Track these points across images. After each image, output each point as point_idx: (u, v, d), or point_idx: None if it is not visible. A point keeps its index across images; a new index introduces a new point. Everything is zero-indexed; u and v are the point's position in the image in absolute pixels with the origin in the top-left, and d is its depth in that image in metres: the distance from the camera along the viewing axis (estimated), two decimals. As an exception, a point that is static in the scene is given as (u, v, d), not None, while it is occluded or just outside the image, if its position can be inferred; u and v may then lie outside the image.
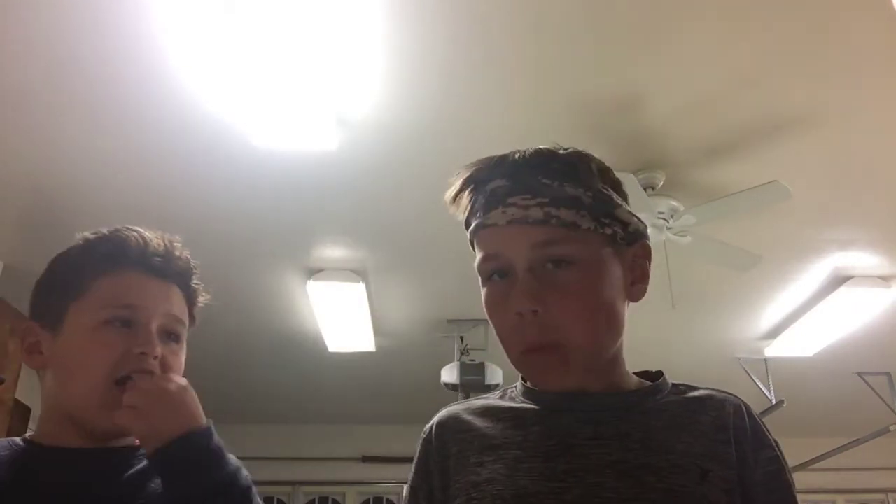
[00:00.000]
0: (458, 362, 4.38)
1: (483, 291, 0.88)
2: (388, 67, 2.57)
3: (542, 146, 0.90)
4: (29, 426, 4.52)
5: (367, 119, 2.82)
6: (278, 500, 6.43)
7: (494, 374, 4.24)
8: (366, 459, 6.43)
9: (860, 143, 2.96)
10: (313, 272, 3.97)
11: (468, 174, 0.91)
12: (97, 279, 0.98)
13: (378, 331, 4.67)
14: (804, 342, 4.70)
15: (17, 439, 0.98)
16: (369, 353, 4.95)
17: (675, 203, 3.11)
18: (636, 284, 0.89)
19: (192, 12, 2.29)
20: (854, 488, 6.24)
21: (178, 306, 1.02)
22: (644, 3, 2.31)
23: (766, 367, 5.09)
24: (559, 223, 0.82)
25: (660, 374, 0.92)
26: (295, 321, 4.57)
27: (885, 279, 3.96)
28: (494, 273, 0.85)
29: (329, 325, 4.50)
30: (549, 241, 0.82)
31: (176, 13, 2.31)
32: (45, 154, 3.01)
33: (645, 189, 3.05)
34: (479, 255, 0.87)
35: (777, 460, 0.83)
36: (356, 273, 3.98)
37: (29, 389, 4.35)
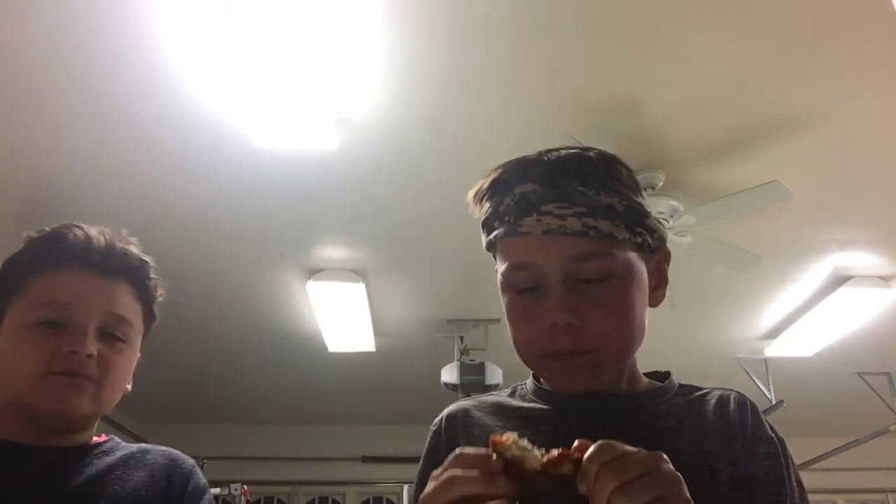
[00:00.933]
0: (458, 362, 4.38)
1: (506, 299, 0.85)
2: (388, 67, 2.57)
3: (572, 149, 0.87)
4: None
5: (367, 119, 2.82)
6: (278, 500, 6.44)
7: (494, 374, 4.24)
8: (366, 459, 6.43)
9: (860, 143, 2.96)
10: (313, 272, 3.97)
11: (496, 174, 0.86)
12: (35, 278, 0.97)
13: (378, 331, 4.67)
14: (804, 342, 4.70)
15: None
16: (369, 353, 4.95)
17: (675, 203, 3.11)
18: (657, 290, 0.89)
19: (193, 12, 2.29)
20: (854, 488, 6.24)
21: (124, 304, 0.99)
22: (644, 3, 2.31)
23: (766, 367, 5.09)
24: (596, 235, 0.80)
25: (668, 374, 0.92)
26: (295, 321, 4.57)
27: (885, 279, 3.96)
28: (522, 283, 0.83)
29: (329, 325, 4.50)
30: (588, 254, 0.80)
31: (176, 13, 2.31)
32: (44, 154, 3.01)
33: (645, 189, 3.05)
34: (505, 263, 0.83)
35: (775, 456, 0.83)
36: (356, 273, 3.98)
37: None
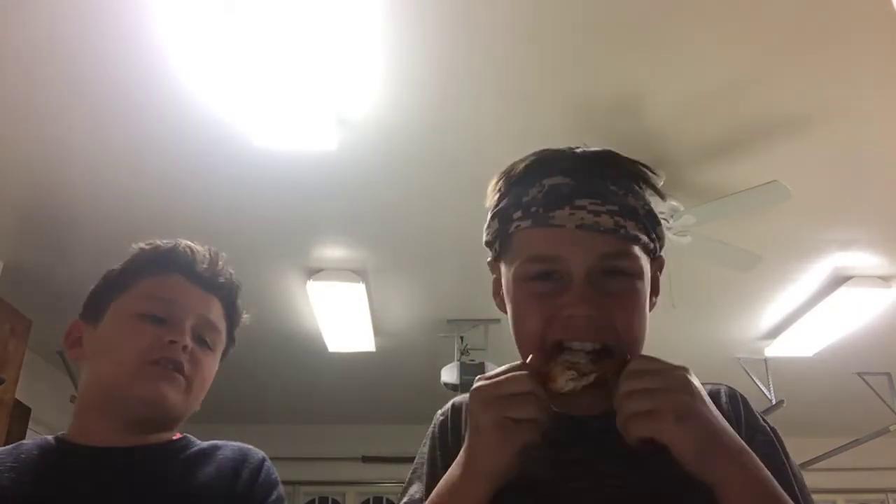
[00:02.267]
0: (458, 362, 4.38)
1: (520, 290, 0.84)
2: (388, 67, 2.57)
3: (602, 148, 0.88)
4: (29, 426, 4.52)
5: (367, 119, 2.82)
6: (278, 500, 6.44)
7: (494, 375, 4.23)
8: (366, 459, 6.42)
9: (860, 143, 2.96)
10: (313, 272, 3.97)
11: (528, 162, 0.86)
12: (141, 279, 1.03)
13: (378, 331, 4.66)
14: (804, 342, 4.70)
15: (50, 438, 1.00)
16: (369, 353, 4.95)
17: (675, 203, 3.11)
18: (652, 297, 0.89)
19: (193, 13, 2.29)
20: (854, 488, 6.24)
21: (216, 316, 1.05)
22: (644, 3, 2.31)
23: (766, 367, 5.09)
24: (626, 235, 0.81)
25: None
26: (295, 321, 4.57)
27: (885, 279, 3.95)
28: (541, 273, 0.82)
29: (329, 325, 4.50)
30: (618, 252, 0.81)
31: (176, 13, 2.31)
32: (45, 154, 3.01)
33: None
34: (526, 254, 0.82)
35: (772, 444, 0.83)
36: (356, 273, 3.98)
37: (29, 389, 4.35)
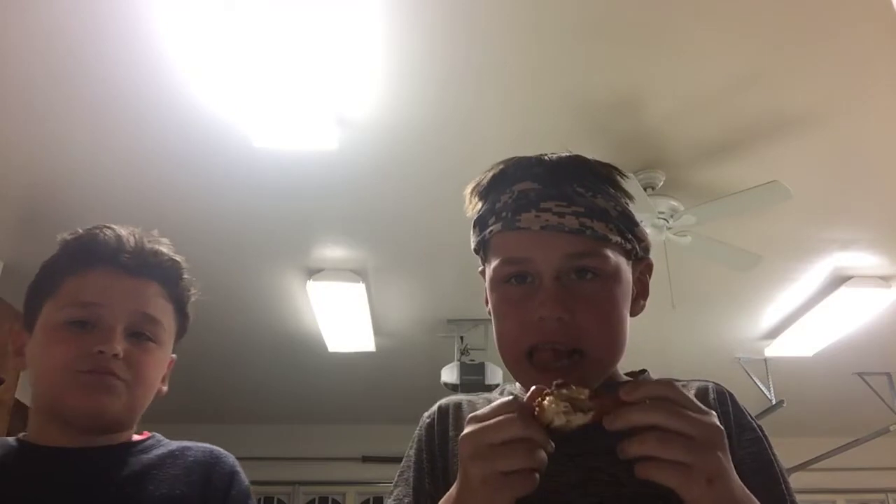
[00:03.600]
0: (458, 362, 4.38)
1: (495, 295, 0.86)
2: (388, 67, 2.57)
3: (570, 153, 0.89)
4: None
5: (367, 119, 2.82)
6: (278, 500, 6.43)
7: (494, 374, 4.24)
8: (366, 459, 6.42)
9: (860, 143, 2.96)
10: (313, 272, 3.97)
11: (495, 172, 0.88)
12: (66, 279, 0.98)
13: (378, 331, 4.66)
14: (804, 342, 4.70)
15: (10, 439, 0.98)
16: (369, 353, 4.95)
17: (675, 203, 3.11)
18: (639, 299, 0.90)
19: (193, 13, 2.29)
20: (854, 488, 6.23)
21: (154, 304, 0.99)
22: (644, 3, 2.31)
23: (766, 367, 5.09)
24: (592, 235, 0.82)
25: (642, 372, 0.93)
26: (295, 321, 4.57)
27: (885, 279, 3.96)
28: (513, 277, 0.84)
29: (329, 325, 4.50)
30: (584, 252, 0.82)
31: (176, 13, 2.31)
32: (45, 154, 3.01)
33: (645, 189, 3.06)
34: (498, 258, 0.84)
35: (759, 441, 0.83)
36: (356, 273, 3.98)
37: (29, 389, 4.35)
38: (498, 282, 0.85)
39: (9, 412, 3.97)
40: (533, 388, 0.70)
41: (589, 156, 0.91)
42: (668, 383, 0.67)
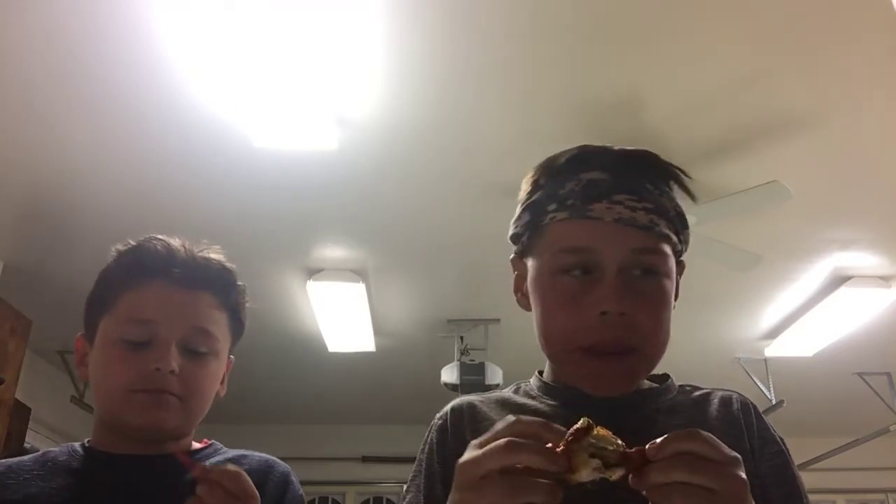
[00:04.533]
0: (458, 362, 4.38)
1: (548, 283, 0.83)
2: (388, 67, 2.57)
3: (640, 148, 0.88)
4: (29, 426, 4.52)
5: (367, 119, 2.82)
6: (278, 500, 6.44)
7: (494, 375, 4.24)
8: (366, 459, 6.43)
9: (860, 143, 2.96)
10: (313, 272, 3.97)
11: (568, 155, 0.86)
12: (122, 293, 0.99)
13: (378, 331, 4.66)
14: (804, 342, 4.70)
15: (77, 445, 1.00)
16: (369, 353, 4.95)
17: (674, 203, 3.11)
18: (674, 299, 0.89)
19: (193, 13, 2.29)
20: (854, 488, 6.24)
21: (208, 316, 1.01)
22: (644, 3, 2.31)
23: (766, 367, 5.09)
24: (659, 233, 0.81)
25: (666, 376, 0.92)
26: (295, 321, 4.57)
27: (885, 279, 3.96)
28: (574, 267, 0.81)
29: (329, 325, 4.50)
30: (650, 249, 0.81)
31: (176, 13, 2.31)
32: (45, 154, 3.01)
33: (645, 189, 3.05)
34: (559, 245, 0.82)
35: (783, 454, 0.83)
36: (356, 273, 3.98)
37: (29, 389, 4.35)
38: (553, 271, 0.83)
39: (9, 412, 3.97)
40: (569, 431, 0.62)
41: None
42: (695, 435, 0.62)
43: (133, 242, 1.04)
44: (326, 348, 4.84)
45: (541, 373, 0.93)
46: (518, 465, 0.59)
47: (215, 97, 2.68)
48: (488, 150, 2.96)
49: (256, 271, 3.98)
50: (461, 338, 4.56)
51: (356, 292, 4.09)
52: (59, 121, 2.81)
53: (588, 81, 2.66)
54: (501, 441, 0.60)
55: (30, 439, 4.45)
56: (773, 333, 4.72)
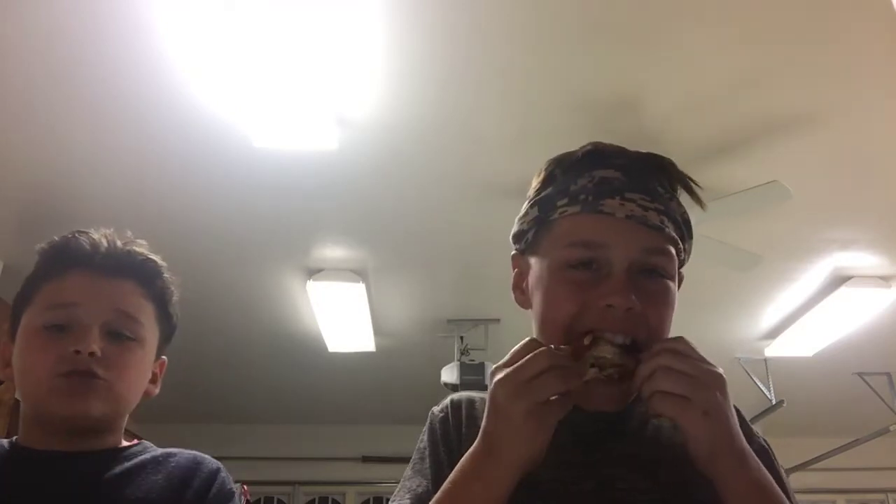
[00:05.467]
0: (458, 362, 4.38)
1: (555, 276, 0.83)
2: (388, 67, 2.57)
3: (654, 152, 0.89)
4: (29, 426, 4.52)
5: (367, 119, 2.82)
6: (278, 500, 6.44)
7: (494, 374, 4.23)
8: (366, 459, 6.43)
9: (860, 143, 2.96)
10: (313, 272, 3.97)
11: (583, 151, 0.87)
12: (43, 284, 0.99)
13: (378, 331, 4.66)
14: (804, 342, 4.70)
15: (4, 442, 0.98)
16: (369, 353, 4.95)
17: (674, 203, 3.11)
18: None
19: (193, 13, 2.29)
20: (854, 488, 6.24)
21: (131, 302, 0.99)
22: (644, 3, 2.31)
23: (766, 367, 5.09)
24: (668, 235, 0.83)
25: None
26: (295, 321, 4.57)
27: (885, 279, 3.95)
28: (583, 262, 0.82)
29: (329, 325, 4.50)
30: (659, 249, 0.82)
31: (176, 13, 2.31)
32: (45, 154, 3.01)
33: (645, 189, 3.05)
34: (568, 240, 0.82)
35: (766, 452, 0.84)
36: (356, 273, 3.98)
37: (29, 389, 4.35)
38: (560, 265, 0.83)
39: (9, 412, 3.96)
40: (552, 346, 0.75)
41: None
42: (680, 339, 0.75)
43: (56, 238, 1.03)
44: (326, 348, 4.84)
45: None
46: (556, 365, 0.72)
47: (215, 97, 2.68)
48: (488, 149, 2.96)
49: (256, 271, 3.98)
50: (461, 338, 4.56)
51: (356, 292, 4.08)
52: (59, 121, 2.81)
53: (588, 81, 2.65)
54: (541, 349, 0.73)
55: None
56: (773, 333, 4.72)
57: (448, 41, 2.47)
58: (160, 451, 1.01)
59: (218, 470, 1.00)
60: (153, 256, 1.03)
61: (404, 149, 3.00)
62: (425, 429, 0.91)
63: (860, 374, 5.08)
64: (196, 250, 3.63)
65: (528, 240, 0.89)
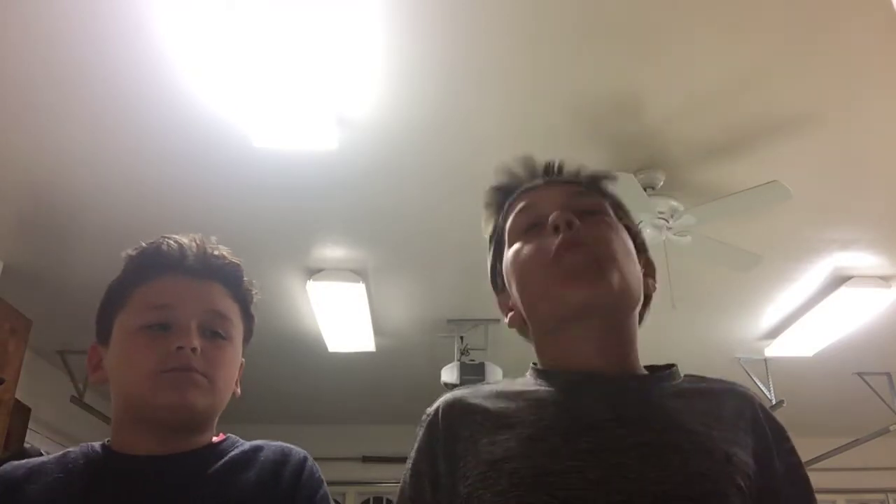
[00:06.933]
0: (458, 362, 4.37)
1: (515, 247, 0.92)
2: (388, 68, 2.57)
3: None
4: (29, 426, 4.52)
5: (367, 119, 2.82)
6: (278, 500, 6.44)
7: (494, 374, 4.24)
8: (366, 459, 6.43)
9: (860, 143, 2.96)
10: (313, 272, 3.97)
11: (503, 184, 1.01)
12: (136, 288, 1.01)
13: (378, 331, 4.67)
14: (804, 342, 4.70)
15: (96, 445, 0.99)
16: (369, 353, 4.95)
17: (675, 203, 3.11)
18: (647, 279, 0.95)
19: (193, 12, 2.29)
20: (854, 488, 6.24)
21: (222, 303, 1.03)
22: (644, 3, 2.31)
23: (766, 367, 5.09)
24: (594, 197, 0.95)
25: (671, 365, 0.92)
26: (295, 321, 4.57)
27: (885, 279, 3.96)
28: (528, 227, 0.92)
29: (329, 325, 4.50)
30: (583, 193, 0.94)
31: (176, 13, 2.31)
32: (45, 154, 3.01)
33: (645, 189, 3.05)
34: (512, 213, 0.95)
35: (796, 452, 0.84)
36: (356, 273, 3.98)
37: (29, 389, 4.35)
38: (515, 234, 0.94)
39: (9, 412, 3.97)
40: None
41: (589, 156, 0.93)
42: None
43: (143, 244, 1.05)
44: (326, 348, 4.84)
45: (535, 365, 0.93)
46: None
47: (215, 97, 2.68)
48: (488, 149, 2.96)
49: (256, 271, 3.94)
50: (461, 338, 4.56)
51: (356, 292, 4.09)
52: (59, 121, 2.81)
53: (588, 81, 2.65)
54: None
55: (30, 439, 4.45)
56: (773, 333, 4.72)
57: (448, 41, 2.47)
58: (248, 444, 1.03)
59: (305, 459, 1.03)
60: (236, 260, 1.08)
61: (404, 149, 3.00)
62: (417, 441, 0.90)
63: (860, 374, 5.08)
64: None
65: (497, 264, 0.98)
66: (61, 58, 2.50)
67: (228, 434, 1.05)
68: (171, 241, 1.04)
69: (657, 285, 0.96)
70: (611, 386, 0.84)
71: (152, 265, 1.02)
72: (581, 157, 1.00)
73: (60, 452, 1.00)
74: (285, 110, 2.69)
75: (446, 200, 3.36)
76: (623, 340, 0.88)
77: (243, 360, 1.09)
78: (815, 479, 0.86)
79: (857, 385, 5.13)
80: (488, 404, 0.86)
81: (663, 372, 0.89)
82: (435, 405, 0.90)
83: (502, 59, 2.55)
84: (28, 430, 4.49)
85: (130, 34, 2.40)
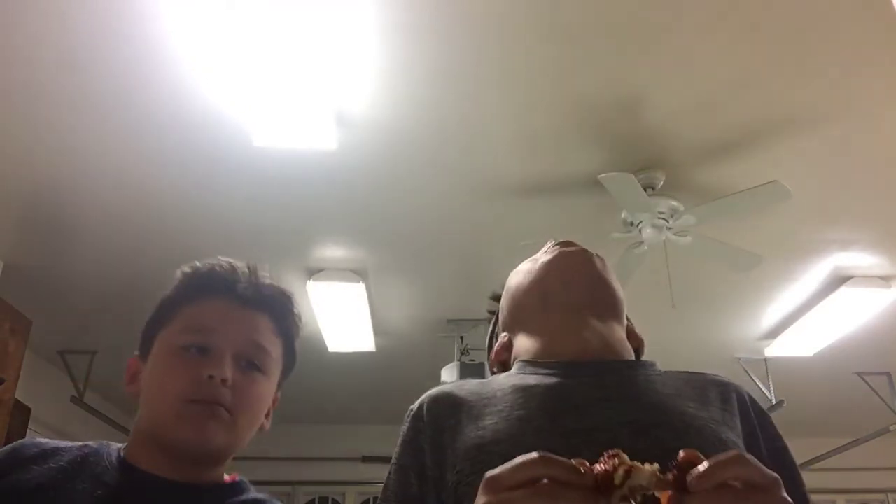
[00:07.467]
0: (458, 362, 4.37)
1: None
2: (387, 67, 2.57)
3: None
4: (29, 426, 4.52)
5: (367, 119, 2.82)
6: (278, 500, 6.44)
7: (494, 374, 4.24)
8: (366, 459, 6.42)
9: (860, 143, 2.96)
10: (313, 272, 3.97)
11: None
12: (183, 307, 0.99)
13: (378, 331, 4.66)
14: (804, 342, 4.70)
15: (113, 450, 0.98)
16: (369, 353, 4.95)
17: (675, 203, 3.11)
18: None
19: (193, 12, 2.29)
20: (854, 488, 6.24)
21: (266, 336, 1.00)
22: (644, 3, 2.31)
23: (766, 367, 5.09)
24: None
25: (652, 364, 0.94)
26: (295, 321, 4.57)
27: (885, 279, 3.96)
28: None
29: (329, 325, 4.50)
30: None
31: (177, 13, 2.31)
32: (46, 154, 3.01)
33: (645, 189, 3.05)
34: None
35: (781, 438, 0.85)
36: (356, 273, 3.98)
37: (29, 389, 4.35)
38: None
39: (9, 412, 3.97)
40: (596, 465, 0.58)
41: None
42: (739, 460, 0.56)
43: (198, 263, 1.04)
44: (326, 348, 4.83)
45: (520, 359, 0.94)
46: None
47: (215, 96, 2.68)
48: (488, 149, 2.96)
49: (256, 271, 3.98)
50: (461, 338, 4.56)
51: (356, 292, 4.09)
52: (60, 120, 2.81)
53: (588, 81, 2.65)
54: (541, 485, 0.55)
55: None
56: (773, 333, 4.72)
57: (448, 42, 2.47)
58: (262, 496, 1.01)
59: None
60: (288, 292, 1.07)
61: (404, 148, 3.00)
62: (402, 437, 0.90)
63: (860, 374, 5.08)
64: (196, 251, 3.61)
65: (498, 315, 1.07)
66: (61, 57, 2.50)
67: (241, 477, 1.03)
68: (225, 264, 1.03)
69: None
70: (597, 367, 0.85)
71: (203, 286, 1.00)
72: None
73: (81, 443, 0.99)
74: (285, 110, 2.69)
75: (446, 200, 3.36)
76: (606, 325, 0.91)
77: (278, 394, 1.07)
78: (815, 479, 0.86)
79: (857, 385, 5.13)
80: (474, 396, 0.87)
81: (646, 361, 0.92)
82: (419, 400, 0.92)
83: (502, 59, 2.55)
84: (28, 430, 4.49)
85: (130, 34, 2.40)
